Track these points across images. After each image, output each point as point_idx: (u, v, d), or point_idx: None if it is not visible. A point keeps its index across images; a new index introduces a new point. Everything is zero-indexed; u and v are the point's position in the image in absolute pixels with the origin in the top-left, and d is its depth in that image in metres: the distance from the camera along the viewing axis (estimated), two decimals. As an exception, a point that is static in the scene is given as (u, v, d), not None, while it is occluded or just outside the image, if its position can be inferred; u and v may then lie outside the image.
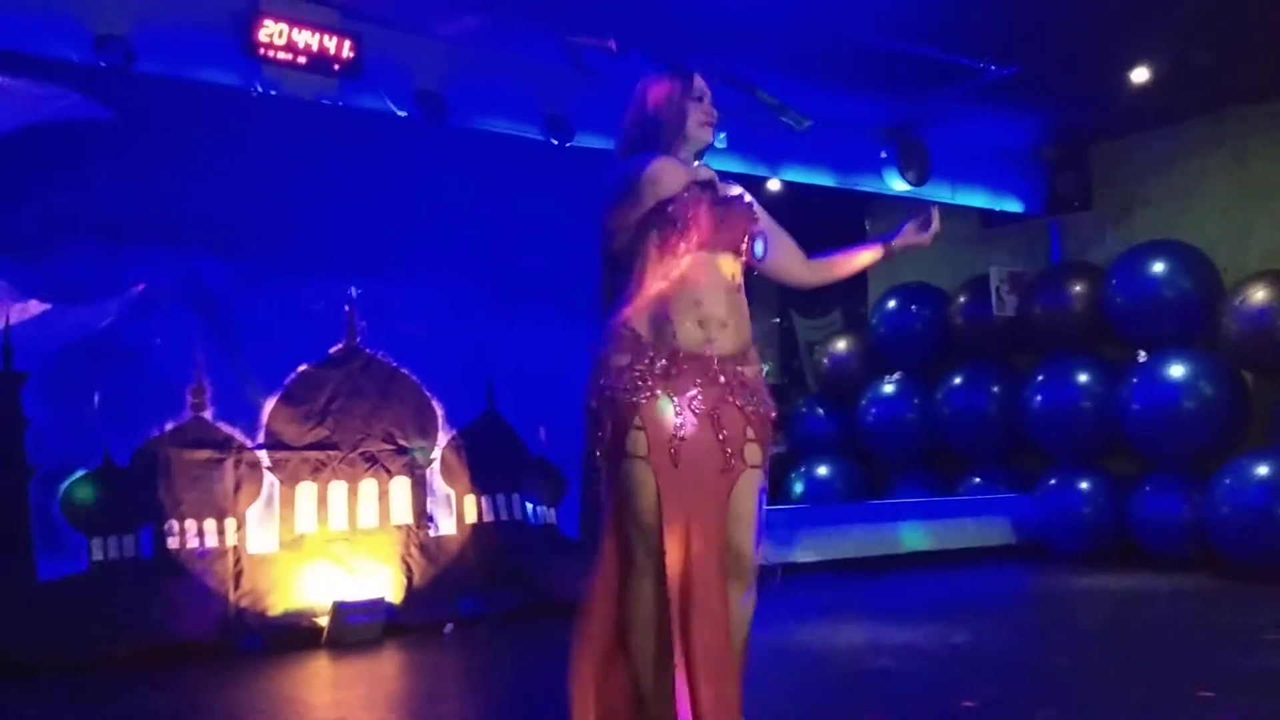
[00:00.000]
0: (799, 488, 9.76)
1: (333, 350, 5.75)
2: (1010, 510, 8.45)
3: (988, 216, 8.95)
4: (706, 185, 2.98)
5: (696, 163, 3.08)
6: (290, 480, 5.53)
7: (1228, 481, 6.96)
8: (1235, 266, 7.62)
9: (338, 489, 5.66)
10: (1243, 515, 6.79)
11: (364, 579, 5.63)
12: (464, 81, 6.24)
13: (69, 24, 5.19)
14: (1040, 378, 8.32)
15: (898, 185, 7.95)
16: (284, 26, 5.58)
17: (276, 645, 5.27)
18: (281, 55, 5.58)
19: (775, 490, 9.14)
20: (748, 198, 3.10)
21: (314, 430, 5.63)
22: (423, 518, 5.89)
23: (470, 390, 6.14)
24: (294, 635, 5.36)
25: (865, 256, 3.32)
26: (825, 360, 10.32)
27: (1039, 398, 8.26)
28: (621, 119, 3.12)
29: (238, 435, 5.42)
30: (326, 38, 5.67)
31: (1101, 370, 8.06)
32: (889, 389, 9.46)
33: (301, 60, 5.62)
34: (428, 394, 5.99)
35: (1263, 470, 6.79)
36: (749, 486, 2.87)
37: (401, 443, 5.87)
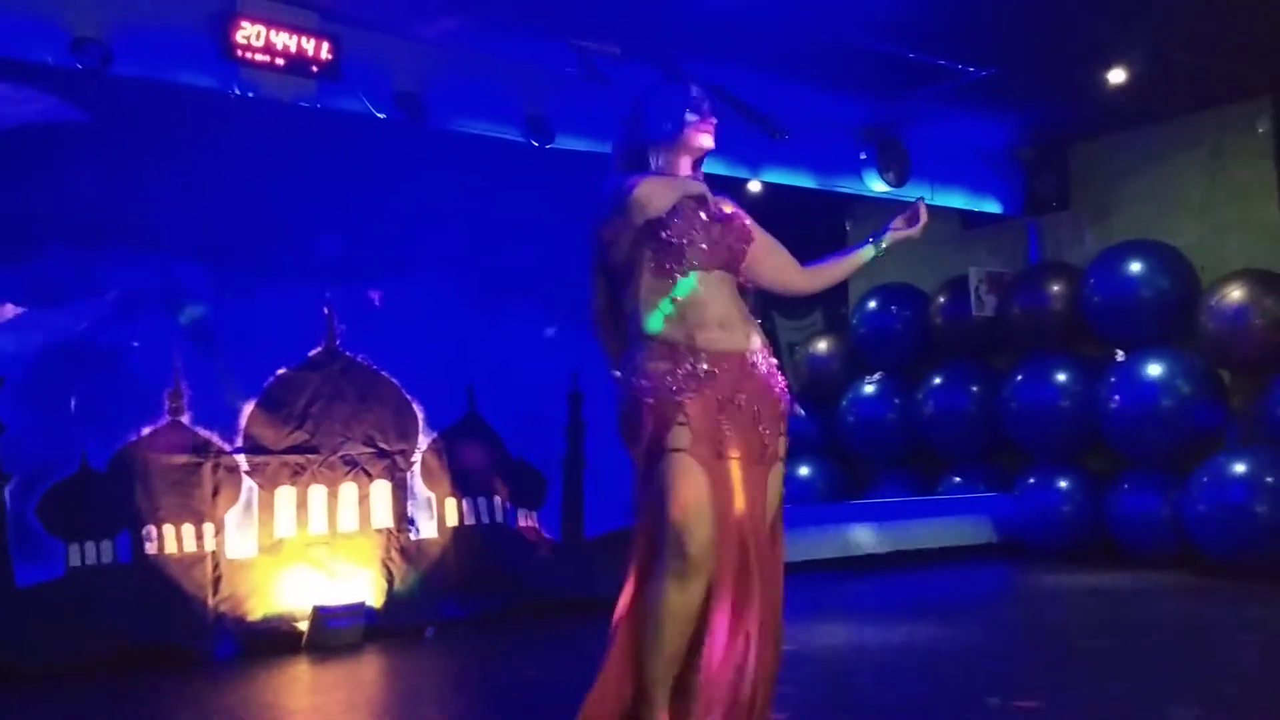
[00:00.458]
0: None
1: (312, 353, 5.71)
2: (990, 509, 8.49)
3: (967, 217, 8.99)
4: (699, 200, 3.01)
5: (687, 175, 3.11)
6: (269, 484, 5.50)
7: (1205, 479, 7.01)
8: (1212, 266, 7.68)
9: (317, 493, 5.64)
10: (1220, 512, 6.84)
11: (344, 583, 5.60)
12: (443, 83, 6.23)
13: (45, 26, 5.16)
14: (1019, 377, 8.36)
15: (877, 186, 7.97)
16: (261, 28, 5.56)
17: (256, 650, 5.24)
18: (259, 57, 5.56)
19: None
20: (744, 218, 3.14)
21: (293, 434, 5.59)
22: (403, 521, 5.86)
23: (451, 393, 6.12)
24: (274, 640, 5.33)
25: (858, 257, 3.36)
26: (805, 361, 10.33)
27: (1018, 397, 8.30)
28: (619, 128, 3.18)
29: (216, 439, 5.38)
30: (305, 39, 5.66)
31: (1080, 369, 8.10)
32: (869, 389, 9.49)
33: (279, 62, 5.60)
34: (408, 397, 5.97)
35: (1240, 468, 6.84)
36: (779, 478, 3.04)
37: (382, 446, 5.84)
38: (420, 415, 5.99)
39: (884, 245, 3.33)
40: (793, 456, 10.53)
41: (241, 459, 5.44)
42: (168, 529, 5.18)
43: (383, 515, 5.82)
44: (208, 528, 5.29)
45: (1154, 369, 7.50)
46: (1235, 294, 7.32)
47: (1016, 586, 7.35)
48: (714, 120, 3.10)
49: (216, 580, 5.26)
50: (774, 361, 3.11)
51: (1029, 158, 8.73)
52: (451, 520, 6.03)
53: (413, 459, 5.94)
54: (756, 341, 3.04)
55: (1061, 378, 8.12)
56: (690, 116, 3.05)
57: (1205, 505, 6.94)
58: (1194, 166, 7.99)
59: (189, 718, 4.19)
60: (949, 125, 7.99)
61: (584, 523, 6.40)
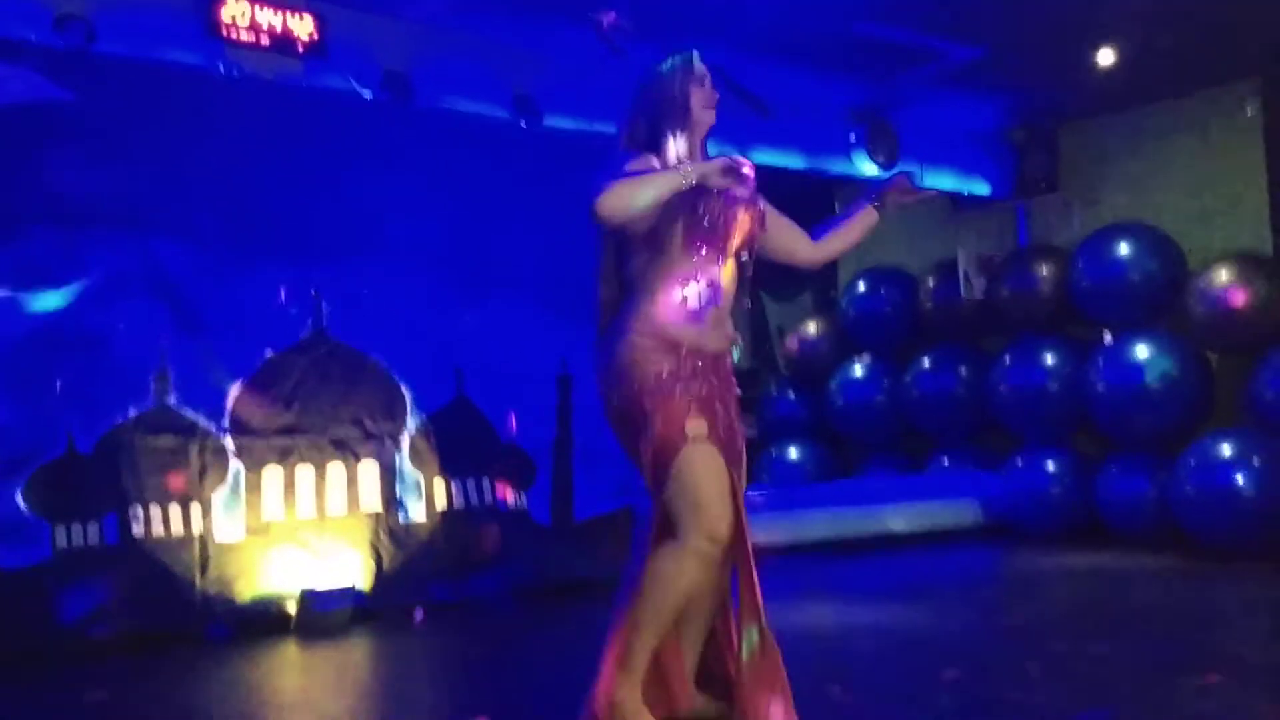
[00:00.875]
0: (769, 470, 9.77)
1: (300, 336, 5.69)
2: (979, 490, 8.49)
3: (956, 200, 8.98)
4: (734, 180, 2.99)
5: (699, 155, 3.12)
6: (256, 466, 5.48)
7: (1193, 461, 7.03)
8: (1200, 248, 7.68)
9: (305, 474, 5.62)
10: (1207, 494, 6.86)
11: (333, 565, 5.59)
12: (430, 62, 6.17)
13: (27, 3, 5.08)
14: (1008, 359, 8.37)
15: (867, 168, 7.95)
16: (246, 6, 5.50)
17: (244, 632, 5.23)
18: (244, 36, 5.50)
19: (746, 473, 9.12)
20: (760, 199, 3.18)
21: (280, 416, 5.57)
22: (392, 503, 5.85)
23: (439, 375, 6.10)
24: (262, 622, 5.32)
25: (862, 223, 3.39)
26: (793, 343, 10.32)
27: (1007, 379, 8.31)
28: (627, 105, 3.17)
29: (202, 421, 5.36)
30: (290, 17, 5.59)
31: (1068, 351, 8.11)
32: (858, 371, 9.49)
33: (265, 41, 5.54)
34: (396, 379, 5.95)
35: (1227, 450, 6.86)
36: (743, 471, 3.17)
37: (370, 428, 5.82)
38: (408, 398, 5.97)
39: (886, 204, 3.38)
40: (782, 438, 10.56)
41: (229, 440, 5.42)
42: (155, 511, 5.17)
43: (371, 498, 5.81)
44: (195, 509, 5.27)
45: (1142, 351, 7.51)
46: (1223, 276, 7.33)
47: (1004, 568, 7.36)
48: (717, 95, 3.13)
49: (204, 562, 5.25)
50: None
51: (1019, 139, 8.71)
52: (440, 503, 6.02)
53: (401, 441, 5.92)
54: (731, 339, 3.15)
55: (1050, 360, 8.12)
56: (695, 91, 3.08)
57: (1192, 487, 6.96)
58: (1183, 149, 7.98)
59: (178, 699, 4.17)
60: (938, 107, 7.97)
61: (573, 505, 6.39)
